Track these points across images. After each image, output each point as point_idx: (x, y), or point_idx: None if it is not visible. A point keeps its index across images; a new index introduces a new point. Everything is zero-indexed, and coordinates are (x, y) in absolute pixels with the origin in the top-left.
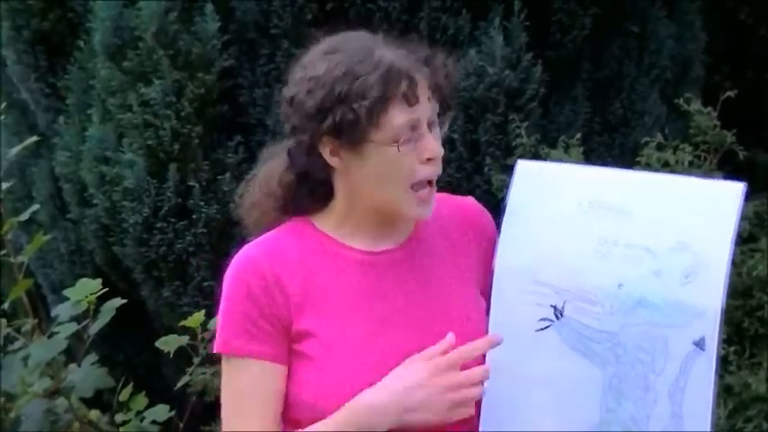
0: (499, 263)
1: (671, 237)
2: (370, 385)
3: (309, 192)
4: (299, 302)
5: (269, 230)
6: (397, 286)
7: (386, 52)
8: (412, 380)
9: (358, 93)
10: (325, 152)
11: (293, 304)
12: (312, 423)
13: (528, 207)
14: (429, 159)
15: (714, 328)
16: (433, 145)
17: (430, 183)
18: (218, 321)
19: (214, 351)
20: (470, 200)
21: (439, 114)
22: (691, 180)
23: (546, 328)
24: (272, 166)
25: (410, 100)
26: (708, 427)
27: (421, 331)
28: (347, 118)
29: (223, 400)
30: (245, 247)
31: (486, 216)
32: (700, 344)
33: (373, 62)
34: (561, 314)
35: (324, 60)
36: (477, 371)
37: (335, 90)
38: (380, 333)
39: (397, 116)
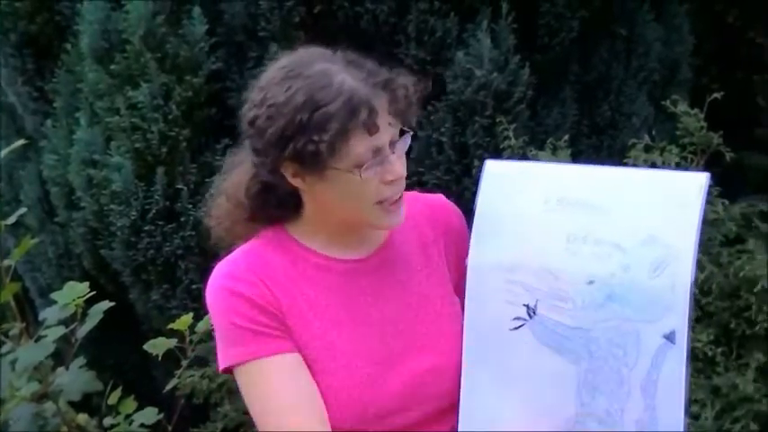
0: (471, 263)
1: (638, 231)
2: (361, 394)
3: (278, 202)
4: (285, 305)
5: (242, 240)
6: (376, 292)
7: (346, 77)
8: None
9: (318, 124)
10: (288, 175)
11: (282, 305)
12: None
13: (497, 206)
14: (392, 181)
15: (684, 321)
16: (395, 167)
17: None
18: (219, 338)
19: (225, 368)
20: (440, 197)
21: (402, 130)
22: (656, 172)
23: (520, 327)
24: (239, 176)
25: (371, 129)
26: (681, 418)
27: (402, 334)
28: (308, 149)
29: (257, 410)
30: (223, 262)
31: (457, 213)
32: (670, 337)
33: (333, 90)
34: (534, 313)
35: (283, 85)
36: None
37: (296, 119)
38: (364, 341)
39: (358, 145)
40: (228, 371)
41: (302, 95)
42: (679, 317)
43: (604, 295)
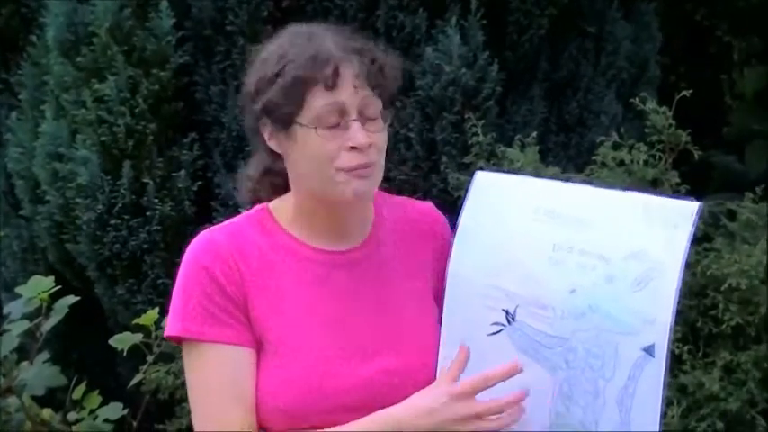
0: (453, 266)
1: (625, 245)
2: (321, 382)
3: (271, 183)
4: (254, 291)
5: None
6: (352, 287)
7: (324, 40)
8: (429, 404)
9: (282, 74)
10: (265, 134)
11: (250, 291)
12: (262, 417)
13: (484, 215)
14: (353, 148)
15: (664, 336)
16: (357, 134)
17: (358, 169)
18: (175, 304)
19: (172, 334)
20: (428, 205)
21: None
22: (647, 197)
23: (498, 332)
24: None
25: (327, 83)
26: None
27: (372, 332)
28: (272, 98)
29: (194, 391)
30: (205, 232)
31: (443, 222)
32: (649, 350)
33: (306, 47)
34: (513, 318)
35: (270, 46)
36: (493, 405)
37: (268, 71)
38: (333, 332)
39: (318, 99)
40: (172, 339)
41: (279, 51)
42: (659, 331)
43: (586, 305)
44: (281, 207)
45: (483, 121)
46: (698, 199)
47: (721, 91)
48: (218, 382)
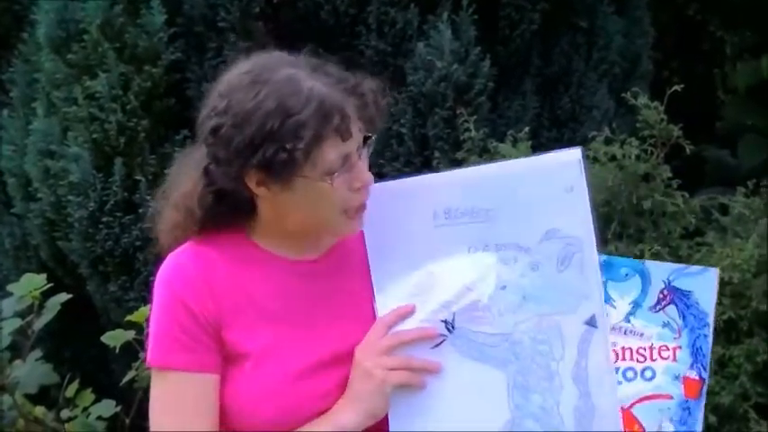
0: (378, 296)
1: (535, 228)
2: (297, 390)
3: (232, 210)
4: (227, 310)
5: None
6: (324, 293)
7: (315, 83)
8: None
9: (291, 132)
10: (251, 183)
11: (223, 311)
12: (241, 429)
13: (387, 232)
14: (359, 188)
15: (600, 303)
16: (364, 174)
17: (363, 208)
18: (151, 333)
19: (149, 365)
20: None
21: (366, 137)
22: (530, 160)
23: (441, 343)
24: (187, 185)
25: (344, 135)
26: (615, 397)
27: (347, 336)
28: (279, 157)
29: (158, 418)
30: (172, 256)
31: None
32: (591, 322)
33: (303, 96)
34: (453, 327)
35: (249, 92)
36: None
37: (266, 126)
38: (308, 339)
39: (330, 151)
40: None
41: (272, 102)
42: (595, 301)
43: (519, 297)
44: (247, 229)
45: (475, 117)
46: (690, 194)
47: (714, 85)
48: (188, 407)
